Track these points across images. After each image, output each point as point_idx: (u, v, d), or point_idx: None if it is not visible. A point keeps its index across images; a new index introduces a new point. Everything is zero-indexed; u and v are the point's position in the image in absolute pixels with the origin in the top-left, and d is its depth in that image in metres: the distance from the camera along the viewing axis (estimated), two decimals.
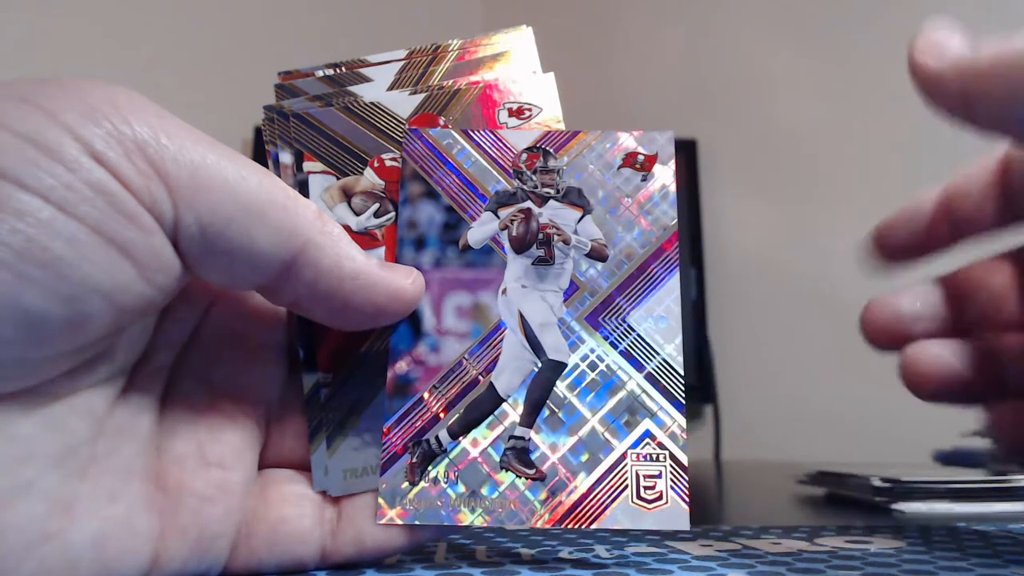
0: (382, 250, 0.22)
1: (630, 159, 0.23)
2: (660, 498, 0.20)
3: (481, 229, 0.23)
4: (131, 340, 0.19)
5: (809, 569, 0.21)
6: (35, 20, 0.99)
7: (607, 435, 0.21)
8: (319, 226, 0.19)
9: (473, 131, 0.23)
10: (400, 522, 0.20)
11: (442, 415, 0.21)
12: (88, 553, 0.16)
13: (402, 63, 0.24)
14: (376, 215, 0.23)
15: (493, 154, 0.23)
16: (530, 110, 0.24)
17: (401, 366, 0.21)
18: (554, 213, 0.23)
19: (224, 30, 1.18)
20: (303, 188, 0.23)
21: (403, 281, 0.20)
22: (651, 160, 0.23)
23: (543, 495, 0.20)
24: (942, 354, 0.25)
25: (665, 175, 0.23)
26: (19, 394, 0.16)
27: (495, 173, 0.23)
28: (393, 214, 0.23)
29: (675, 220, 0.23)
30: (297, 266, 0.18)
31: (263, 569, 0.20)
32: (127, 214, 0.16)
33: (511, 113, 0.24)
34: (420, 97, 0.24)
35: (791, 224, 1.22)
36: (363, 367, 0.22)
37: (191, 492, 0.19)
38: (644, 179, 0.23)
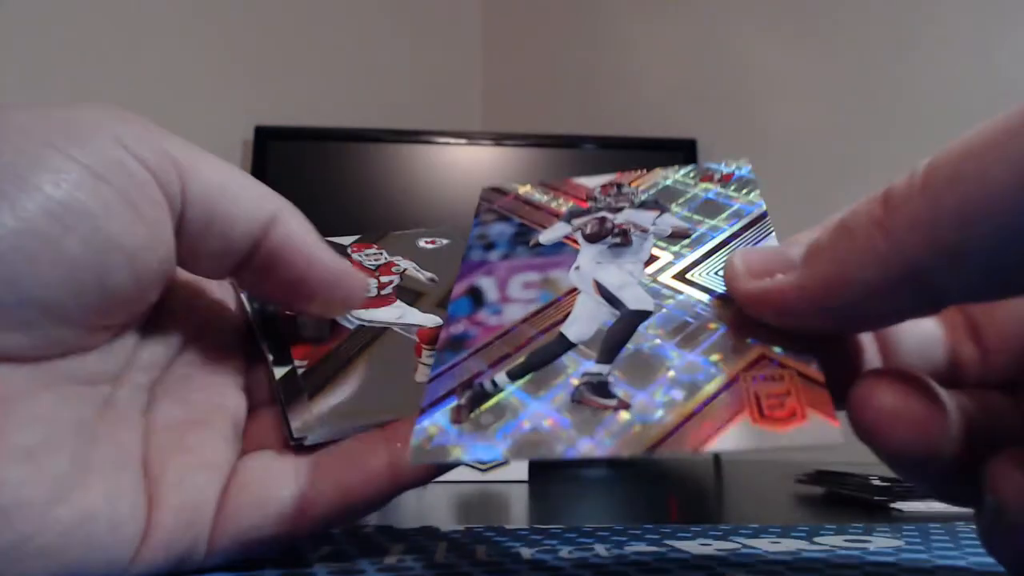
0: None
1: (708, 176, 0.24)
2: (793, 415, 0.16)
3: (553, 231, 0.23)
4: (117, 350, 0.21)
5: (808, 568, 0.21)
6: (36, 23, 0.99)
7: (709, 361, 0.18)
8: (288, 203, 0.22)
9: (547, 181, 0.25)
10: (439, 461, 0.17)
11: (500, 362, 0.19)
12: (103, 512, 0.18)
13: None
14: None
15: (566, 191, 0.25)
16: None
17: (457, 327, 0.20)
18: (630, 216, 0.23)
19: (225, 31, 1.18)
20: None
21: (353, 271, 0.23)
22: (727, 176, 0.24)
23: (626, 422, 0.17)
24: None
25: (747, 178, 0.24)
26: (39, 362, 0.18)
27: (568, 202, 0.24)
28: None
29: (763, 204, 0.22)
30: (273, 226, 0.21)
31: (244, 534, 0.20)
32: (142, 184, 0.19)
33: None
34: None
35: (791, 223, 1.22)
36: (340, 353, 0.23)
37: (176, 473, 0.20)
38: (724, 185, 0.24)
